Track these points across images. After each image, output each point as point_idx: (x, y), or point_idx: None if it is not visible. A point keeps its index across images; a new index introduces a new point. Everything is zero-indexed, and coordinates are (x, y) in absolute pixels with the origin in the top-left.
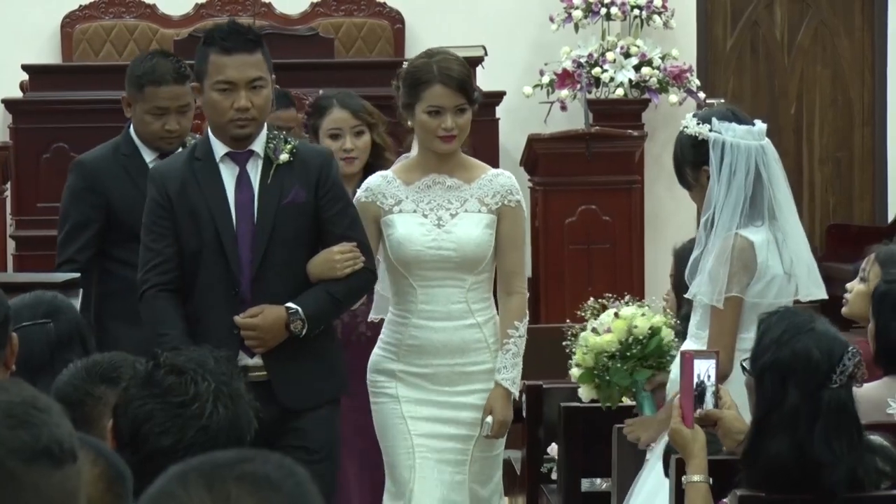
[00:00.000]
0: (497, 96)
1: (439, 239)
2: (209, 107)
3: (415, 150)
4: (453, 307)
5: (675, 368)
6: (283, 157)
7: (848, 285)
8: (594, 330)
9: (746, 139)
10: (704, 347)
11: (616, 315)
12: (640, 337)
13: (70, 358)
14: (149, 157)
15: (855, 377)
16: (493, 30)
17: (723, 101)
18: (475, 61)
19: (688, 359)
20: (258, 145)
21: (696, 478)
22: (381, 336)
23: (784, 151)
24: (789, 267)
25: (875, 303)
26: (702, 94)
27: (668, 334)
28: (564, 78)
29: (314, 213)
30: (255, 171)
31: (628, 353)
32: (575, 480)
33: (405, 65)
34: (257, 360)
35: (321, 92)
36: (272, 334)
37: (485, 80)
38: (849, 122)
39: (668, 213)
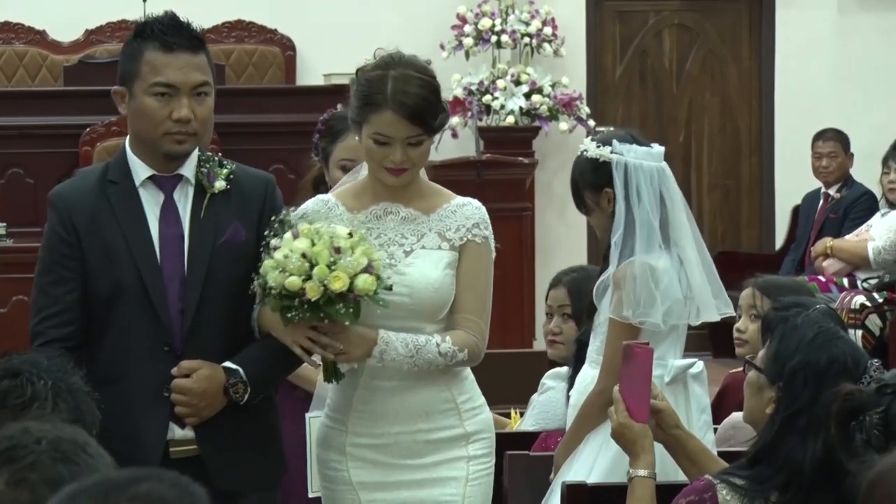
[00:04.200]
0: None
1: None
2: (139, 115)
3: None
4: None
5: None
6: (219, 184)
7: (739, 325)
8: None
9: (647, 160)
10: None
11: (280, 252)
12: (271, 287)
13: None
14: None
15: None
16: None
17: (612, 129)
18: None
19: (645, 351)
20: (188, 169)
21: (643, 472)
22: (327, 401)
23: None
24: (686, 291)
25: (765, 329)
26: (591, 122)
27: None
28: (455, 105)
29: (256, 254)
30: (184, 201)
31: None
32: None
33: (365, 65)
34: (187, 433)
35: (338, 108)
36: (207, 401)
37: None
38: (737, 151)
39: (559, 240)
